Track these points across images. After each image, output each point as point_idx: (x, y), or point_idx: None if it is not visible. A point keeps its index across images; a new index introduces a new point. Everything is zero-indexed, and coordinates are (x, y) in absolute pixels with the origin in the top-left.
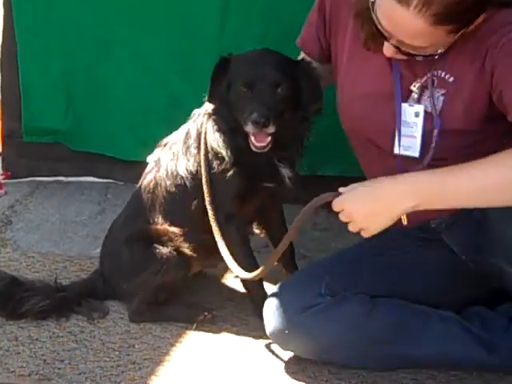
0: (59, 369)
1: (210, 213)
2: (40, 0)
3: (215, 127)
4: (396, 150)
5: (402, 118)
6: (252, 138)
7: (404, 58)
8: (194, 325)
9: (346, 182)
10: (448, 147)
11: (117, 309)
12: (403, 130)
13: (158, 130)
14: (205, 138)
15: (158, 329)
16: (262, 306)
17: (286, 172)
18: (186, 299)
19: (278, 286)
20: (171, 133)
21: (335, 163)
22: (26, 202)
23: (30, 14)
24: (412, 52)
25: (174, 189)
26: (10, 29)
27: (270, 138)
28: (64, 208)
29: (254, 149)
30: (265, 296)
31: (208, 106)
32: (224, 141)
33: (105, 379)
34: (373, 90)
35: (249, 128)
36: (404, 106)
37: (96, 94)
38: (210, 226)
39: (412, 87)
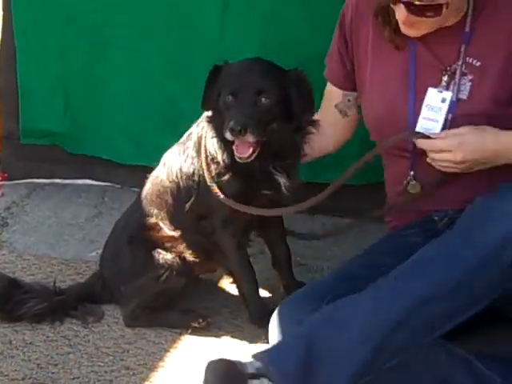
0: (53, 373)
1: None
2: (38, 3)
3: (211, 133)
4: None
5: (427, 101)
6: (234, 148)
7: (417, 18)
8: (189, 331)
9: (344, 188)
10: None
11: (112, 313)
12: (425, 112)
13: (155, 134)
14: (205, 141)
15: (152, 334)
16: (257, 312)
17: (282, 180)
18: (181, 305)
19: (280, 304)
20: (168, 137)
21: (334, 170)
22: (23, 203)
23: (28, 17)
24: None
25: (169, 188)
26: (8, 31)
27: (251, 149)
28: (61, 210)
29: (237, 159)
30: (260, 302)
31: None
32: (220, 146)
33: None
34: (393, 84)
35: (227, 136)
36: (431, 90)
37: (94, 97)
38: (205, 229)
39: (441, 74)
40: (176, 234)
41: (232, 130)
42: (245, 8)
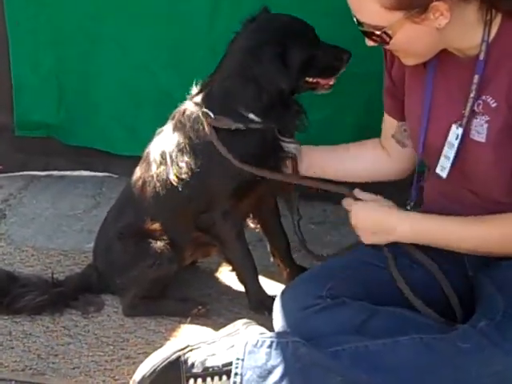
0: (53, 363)
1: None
2: None
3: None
4: (436, 170)
5: (448, 138)
6: (331, 81)
7: (373, 44)
8: (188, 319)
9: None
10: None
11: (111, 303)
12: (445, 149)
13: (149, 124)
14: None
15: (152, 323)
16: (257, 299)
17: (292, 146)
18: (180, 293)
19: (283, 288)
20: (162, 127)
21: None
22: (20, 195)
23: (21, 9)
24: (367, 30)
25: (163, 192)
26: (1, 23)
27: None
28: (58, 202)
29: (325, 91)
30: (259, 290)
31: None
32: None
33: (99, 373)
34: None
35: (342, 70)
36: (453, 127)
37: (88, 89)
38: (204, 222)
39: (463, 110)
40: (165, 228)
41: (348, 59)
42: None
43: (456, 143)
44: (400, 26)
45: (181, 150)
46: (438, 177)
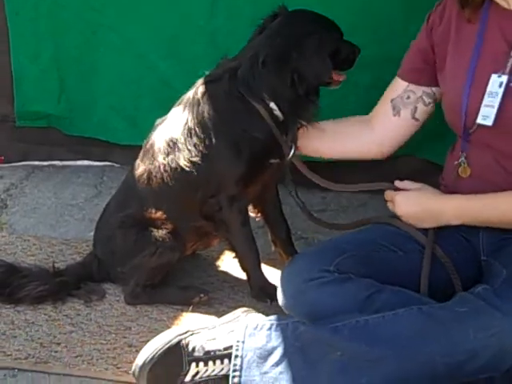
0: (56, 352)
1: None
2: None
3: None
4: (478, 120)
5: (489, 88)
6: (342, 78)
7: None
8: (190, 307)
9: (335, 168)
10: None
11: (113, 291)
12: (486, 99)
13: (149, 114)
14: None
15: (154, 311)
16: (259, 287)
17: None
18: (182, 281)
19: (291, 258)
20: (162, 116)
21: None
22: (22, 185)
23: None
24: None
25: (172, 182)
26: (1, 14)
27: None
28: (60, 191)
29: (335, 87)
30: (262, 277)
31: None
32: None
33: (101, 362)
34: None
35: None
36: (493, 76)
37: (88, 79)
38: (207, 212)
39: (507, 59)
40: (168, 218)
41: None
42: None
43: (500, 91)
44: None
45: (190, 133)
46: (479, 134)
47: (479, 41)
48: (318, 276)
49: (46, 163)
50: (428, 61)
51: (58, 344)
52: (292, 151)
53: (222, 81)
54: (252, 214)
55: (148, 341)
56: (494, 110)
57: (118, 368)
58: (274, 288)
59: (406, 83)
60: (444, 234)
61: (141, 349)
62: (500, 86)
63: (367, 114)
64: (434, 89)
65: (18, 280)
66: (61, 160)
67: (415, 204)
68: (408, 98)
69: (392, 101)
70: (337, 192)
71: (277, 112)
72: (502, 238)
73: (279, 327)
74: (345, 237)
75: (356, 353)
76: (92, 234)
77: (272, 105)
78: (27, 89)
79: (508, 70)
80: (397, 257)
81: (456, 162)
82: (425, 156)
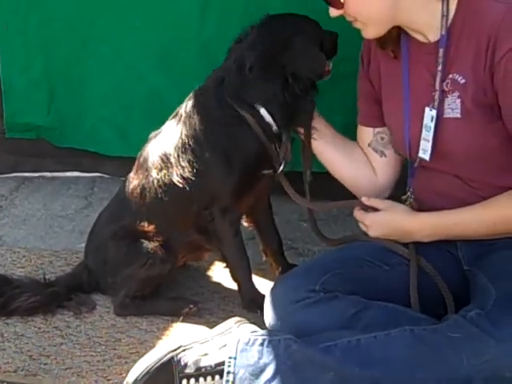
0: (45, 364)
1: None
2: None
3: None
4: (419, 153)
5: (424, 121)
6: (330, 65)
7: (335, 13)
8: (180, 318)
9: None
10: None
11: (103, 303)
12: (424, 133)
13: (140, 125)
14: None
15: (144, 322)
16: (250, 298)
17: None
18: (172, 292)
19: (275, 281)
20: (153, 128)
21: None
22: (12, 197)
23: (10, 11)
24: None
25: (166, 197)
26: None
27: None
28: (50, 203)
29: (326, 78)
30: (253, 288)
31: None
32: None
33: (91, 374)
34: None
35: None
36: (426, 110)
37: (78, 90)
38: (200, 224)
39: (433, 92)
40: (160, 231)
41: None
42: None
43: (432, 125)
44: None
45: (183, 148)
46: (422, 165)
47: (405, 76)
48: (304, 296)
49: (35, 174)
50: (379, 101)
51: (48, 356)
52: (282, 166)
53: (209, 92)
54: (244, 224)
55: (138, 352)
56: (429, 144)
57: (108, 380)
58: (265, 298)
59: (370, 128)
60: (425, 245)
61: (131, 360)
62: (431, 119)
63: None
64: None
65: (10, 291)
66: (51, 171)
67: (385, 226)
68: (382, 139)
69: (370, 145)
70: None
71: (269, 119)
72: (481, 245)
73: (271, 344)
74: (329, 255)
75: (349, 374)
76: (82, 245)
77: (263, 111)
78: (16, 100)
79: (436, 103)
80: (382, 271)
81: (403, 197)
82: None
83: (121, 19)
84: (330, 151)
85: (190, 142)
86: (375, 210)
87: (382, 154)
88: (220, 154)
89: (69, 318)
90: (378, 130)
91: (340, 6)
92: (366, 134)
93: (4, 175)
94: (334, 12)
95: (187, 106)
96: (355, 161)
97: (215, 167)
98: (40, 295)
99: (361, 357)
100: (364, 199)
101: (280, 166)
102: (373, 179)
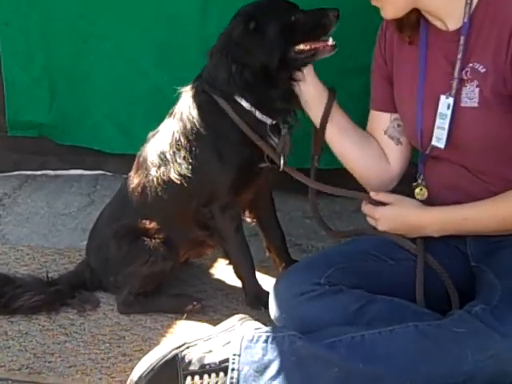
0: (49, 362)
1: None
2: None
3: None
4: (432, 141)
5: (439, 109)
6: (329, 41)
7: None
8: (184, 315)
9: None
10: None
11: (106, 301)
12: (438, 121)
13: (142, 122)
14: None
15: (148, 320)
16: (253, 294)
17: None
18: (176, 289)
19: (280, 274)
20: (155, 125)
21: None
22: (15, 195)
23: (10, 9)
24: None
25: (166, 195)
26: None
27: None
28: (53, 201)
29: (329, 54)
30: (256, 284)
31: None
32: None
33: (95, 371)
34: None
35: (334, 27)
36: (442, 97)
37: (79, 88)
38: (201, 221)
39: (451, 80)
40: (162, 229)
41: (337, 15)
42: None
43: (448, 113)
44: None
45: (177, 145)
46: (434, 155)
47: (422, 63)
48: (309, 289)
49: (38, 173)
50: (392, 83)
51: (52, 354)
52: (282, 160)
53: (193, 87)
54: (247, 220)
55: (142, 350)
56: (445, 133)
57: (112, 377)
58: (268, 295)
59: (387, 114)
60: (433, 241)
61: (135, 358)
62: (448, 107)
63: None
64: None
65: (12, 290)
66: (53, 169)
67: (395, 221)
68: (399, 126)
69: (386, 132)
70: (331, 198)
71: (247, 106)
72: (490, 242)
73: (275, 340)
74: (334, 249)
75: (353, 370)
76: (85, 243)
77: (239, 99)
78: (18, 98)
79: (454, 91)
80: (388, 266)
81: (414, 184)
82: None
83: (122, 16)
84: (342, 139)
85: (183, 139)
86: (383, 204)
87: (398, 141)
88: (210, 149)
89: (73, 316)
90: (394, 116)
91: None
92: (382, 120)
93: (7, 173)
94: None
95: (180, 103)
96: (368, 150)
97: (209, 163)
98: (43, 294)
99: (365, 353)
100: (372, 194)
101: (280, 159)
102: (384, 169)
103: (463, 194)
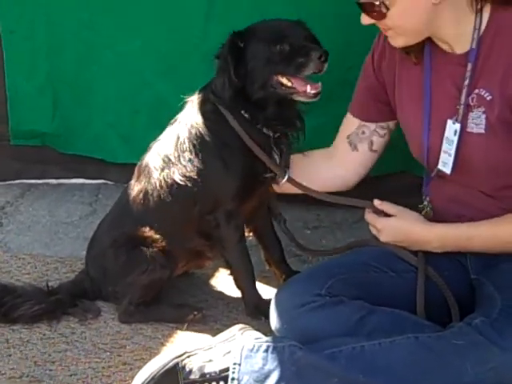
0: (50, 370)
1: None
2: (25, 3)
3: (231, 114)
4: (439, 166)
5: (446, 134)
6: (308, 88)
7: (369, 22)
8: (185, 325)
9: None
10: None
11: (107, 309)
12: (444, 145)
13: (145, 132)
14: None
15: (149, 329)
16: (254, 305)
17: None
18: (177, 299)
19: (280, 285)
20: (158, 134)
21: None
22: (17, 203)
23: (15, 17)
24: (367, 7)
25: (169, 198)
26: None
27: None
28: (55, 209)
29: (306, 99)
30: (256, 295)
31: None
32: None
33: (96, 380)
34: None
35: (310, 68)
36: (449, 122)
37: (83, 97)
38: (204, 230)
39: (457, 106)
40: (162, 237)
41: (320, 57)
42: (229, 3)
43: (455, 138)
44: None
45: (182, 147)
46: (440, 175)
47: (427, 84)
48: (310, 300)
49: (40, 181)
50: (380, 99)
51: (53, 363)
52: (286, 176)
53: (201, 96)
54: (245, 233)
55: (143, 359)
56: (451, 158)
57: None
58: (269, 305)
59: (357, 120)
60: (434, 253)
61: (136, 367)
62: (455, 133)
63: None
64: (387, 122)
65: (12, 300)
66: (55, 178)
67: (397, 233)
68: (363, 133)
69: (348, 137)
70: (331, 209)
71: (247, 117)
72: (489, 256)
73: (276, 350)
74: (335, 260)
75: (353, 381)
76: None
77: (244, 112)
78: (21, 107)
79: (460, 116)
80: (388, 277)
81: (420, 206)
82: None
83: (126, 26)
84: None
85: (188, 144)
86: (386, 214)
87: (355, 148)
88: (215, 156)
89: (74, 325)
90: (363, 123)
91: (382, 16)
92: (350, 124)
93: (9, 182)
94: (366, 20)
95: (184, 111)
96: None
97: (213, 169)
98: (43, 303)
99: (365, 364)
100: (376, 202)
101: (283, 174)
102: (333, 175)
103: (472, 208)
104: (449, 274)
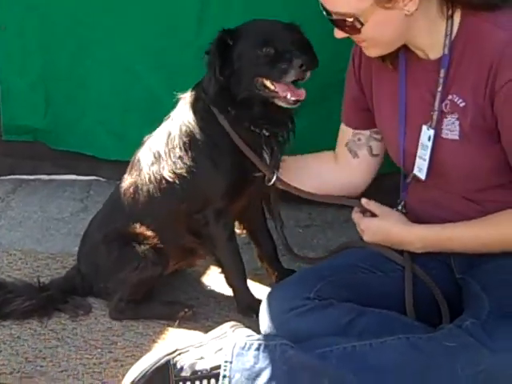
0: (41, 366)
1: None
2: None
3: (220, 113)
4: (414, 171)
5: (421, 139)
6: (288, 95)
7: (343, 35)
8: (176, 322)
9: None
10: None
11: (99, 306)
12: (420, 151)
13: (137, 129)
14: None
15: (140, 326)
16: (245, 302)
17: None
18: (168, 296)
19: (270, 289)
20: (150, 131)
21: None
22: (8, 199)
23: (8, 13)
24: (339, 19)
25: (158, 193)
26: None
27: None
28: (46, 205)
29: (286, 105)
30: (248, 293)
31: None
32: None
33: (87, 376)
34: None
35: (291, 75)
36: (424, 128)
37: (75, 93)
38: (194, 228)
39: (432, 112)
40: (153, 233)
41: (301, 66)
42: (223, 2)
43: (429, 144)
44: (371, 11)
45: (172, 144)
46: (417, 179)
47: (402, 90)
48: (299, 304)
49: (32, 177)
50: (366, 107)
51: (44, 359)
52: (274, 176)
53: (190, 92)
54: (238, 231)
55: (134, 355)
56: (426, 164)
57: (103, 383)
58: (260, 303)
59: (350, 129)
60: (419, 253)
61: (127, 363)
62: (429, 139)
63: None
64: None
65: (3, 295)
66: (47, 174)
67: (378, 233)
68: (359, 140)
69: (347, 145)
70: (322, 208)
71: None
72: (473, 257)
73: (267, 348)
74: (323, 263)
75: (344, 381)
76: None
77: (230, 109)
78: (14, 103)
79: (434, 122)
80: (376, 277)
81: (394, 209)
82: None
83: (119, 23)
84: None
85: (179, 141)
86: (372, 213)
87: (356, 155)
88: (204, 154)
89: (65, 321)
90: (356, 131)
91: (356, 31)
92: (346, 133)
93: (1, 177)
94: (340, 34)
95: (177, 109)
96: (322, 175)
97: (203, 167)
98: (34, 299)
99: (356, 364)
100: (364, 201)
101: (272, 175)
102: (340, 182)
103: (450, 211)
104: (436, 273)
